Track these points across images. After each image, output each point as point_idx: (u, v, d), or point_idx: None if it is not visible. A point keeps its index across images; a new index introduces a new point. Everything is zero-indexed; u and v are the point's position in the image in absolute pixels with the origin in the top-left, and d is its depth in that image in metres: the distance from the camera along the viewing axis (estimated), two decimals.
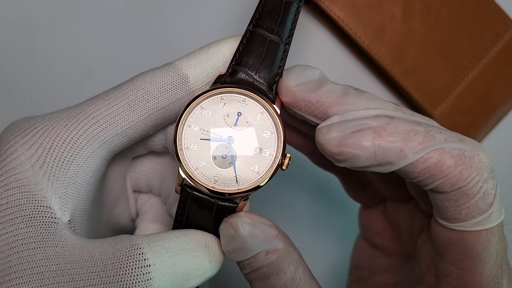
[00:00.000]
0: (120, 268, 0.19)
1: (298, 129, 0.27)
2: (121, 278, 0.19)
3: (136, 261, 0.19)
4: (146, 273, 0.19)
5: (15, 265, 0.19)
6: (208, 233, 0.22)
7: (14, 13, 0.40)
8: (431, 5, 0.38)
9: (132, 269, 0.19)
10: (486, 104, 0.39)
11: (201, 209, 0.22)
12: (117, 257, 0.19)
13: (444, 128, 0.21)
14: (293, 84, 0.22)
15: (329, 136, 0.20)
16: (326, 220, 0.41)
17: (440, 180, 0.20)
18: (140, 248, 0.19)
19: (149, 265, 0.19)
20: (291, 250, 0.22)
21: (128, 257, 0.19)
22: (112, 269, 0.19)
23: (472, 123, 0.40)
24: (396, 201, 0.28)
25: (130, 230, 0.29)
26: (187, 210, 0.22)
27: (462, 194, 0.20)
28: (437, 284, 0.22)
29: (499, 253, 0.21)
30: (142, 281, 0.19)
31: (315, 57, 0.41)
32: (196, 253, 0.21)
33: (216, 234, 0.23)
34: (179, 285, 0.20)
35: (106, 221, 0.27)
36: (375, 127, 0.20)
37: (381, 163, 0.20)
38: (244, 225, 0.21)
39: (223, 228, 0.22)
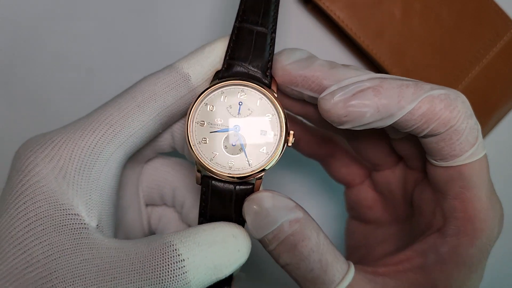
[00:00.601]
0: (157, 264, 0.21)
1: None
2: (159, 273, 0.20)
3: (171, 257, 0.21)
4: (181, 267, 0.21)
5: (55, 271, 0.21)
6: (233, 223, 0.23)
7: (14, 13, 0.40)
8: (431, 5, 0.38)
9: (168, 264, 0.21)
10: (486, 104, 0.39)
11: (222, 197, 0.24)
12: (153, 254, 0.21)
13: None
14: (287, 63, 0.24)
15: (334, 101, 0.22)
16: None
17: (435, 122, 0.22)
18: (173, 245, 0.21)
19: (183, 260, 0.21)
20: (310, 218, 0.24)
21: (163, 254, 0.21)
22: (150, 266, 0.21)
23: None
24: (383, 169, 0.30)
25: None
26: (210, 202, 0.24)
27: (454, 131, 0.23)
28: (444, 223, 0.24)
29: (489, 181, 0.24)
30: (178, 275, 0.21)
31: None
32: (225, 244, 0.22)
33: (239, 221, 0.24)
34: (213, 275, 0.22)
35: (117, 226, 0.27)
36: (373, 87, 0.22)
37: (384, 117, 0.22)
38: (266, 198, 0.23)
39: (246, 206, 0.24)
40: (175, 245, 0.21)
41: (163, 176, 0.29)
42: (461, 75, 0.39)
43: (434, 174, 0.25)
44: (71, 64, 0.40)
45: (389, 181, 0.30)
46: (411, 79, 0.24)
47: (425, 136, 0.23)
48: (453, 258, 0.24)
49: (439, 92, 0.23)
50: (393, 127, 0.24)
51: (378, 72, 0.40)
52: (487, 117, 0.40)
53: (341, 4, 0.37)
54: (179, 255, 0.21)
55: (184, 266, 0.21)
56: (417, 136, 0.24)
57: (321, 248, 0.23)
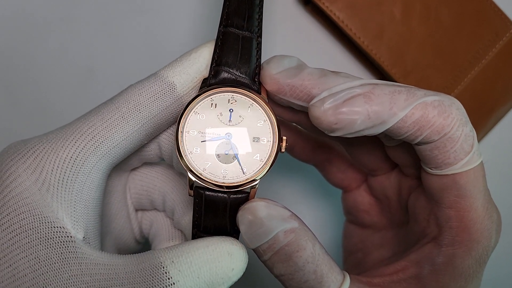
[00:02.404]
0: (146, 286, 0.20)
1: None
2: None
3: (160, 280, 0.20)
4: None
5: (43, 286, 0.20)
6: (228, 238, 0.22)
7: (15, 14, 0.40)
8: (431, 6, 0.38)
9: (157, 287, 0.20)
10: (486, 104, 0.40)
11: (215, 207, 0.23)
12: (143, 276, 0.20)
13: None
14: (275, 72, 0.24)
15: (323, 108, 0.22)
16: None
17: (428, 130, 0.22)
18: (163, 267, 0.20)
19: (173, 284, 0.20)
20: (306, 228, 0.23)
21: (153, 276, 0.20)
22: (139, 287, 0.20)
23: (471, 123, 0.40)
24: (379, 174, 0.29)
25: (133, 247, 0.30)
26: (203, 213, 0.24)
27: (448, 139, 0.22)
28: (439, 233, 0.24)
29: (486, 189, 0.23)
30: None
31: (314, 57, 0.41)
32: (219, 263, 0.21)
33: (234, 231, 0.24)
34: None
35: (104, 234, 0.27)
36: (364, 93, 0.22)
37: (375, 124, 0.22)
38: (260, 207, 0.22)
39: (241, 215, 0.23)
40: (166, 267, 0.20)
41: (152, 182, 0.28)
42: (460, 76, 0.39)
43: (428, 182, 0.24)
44: (71, 64, 0.40)
45: (385, 187, 0.29)
46: (404, 85, 0.23)
47: (419, 144, 0.23)
48: (448, 269, 0.23)
49: (433, 98, 0.22)
50: (386, 134, 0.23)
51: (378, 73, 0.40)
52: (486, 118, 0.40)
53: (341, 4, 0.38)
54: (169, 279, 0.20)
55: None
56: (411, 144, 0.24)
57: (316, 258, 0.23)
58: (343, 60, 0.41)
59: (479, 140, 0.41)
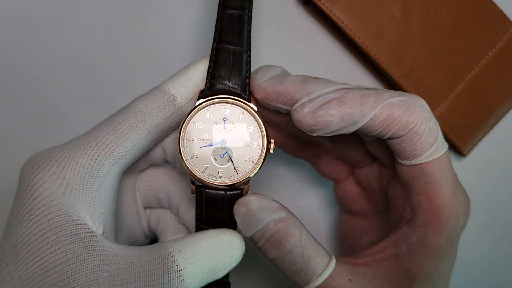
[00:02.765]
0: (159, 273, 0.24)
1: (271, 125, 0.33)
2: (160, 281, 0.24)
3: (170, 267, 0.24)
4: (179, 276, 0.24)
5: (71, 275, 0.23)
6: (227, 230, 0.26)
7: (15, 14, 0.40)
8: (431, 6, 0.38)
9: (168, 274, 0.24)
10: (485, 105, 0.40)
11: (215, 203, 0.27)
12: (155, 264, 0.24)
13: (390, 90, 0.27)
14: (262, 81, 0.27)
15: (303, 112, 0.25)
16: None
17: (395, 126, 0.25)
18: (172, 256, 0.24)
19: (181, 269, 0.24)
20: (293, 217, 0.27)
21: (164, 264, 0.24)
22: (152, 275, 0.24)
23: (471, 123, 0.40)
24: (362, 166, 0.33)
25: (142, 240, 0.33)
26: (205, 208, 0.27)
27: (413, 134, 0.25)
28: (413, 216, 0.27)
29: (453, 175, 0.27)
30: (176, 282, 0.24)
31: (314, 58, 0.41)
32: (220, 252, 0.25)
33: (232, 222, 0.27)
34: (209, 278, 0.25)
35: (117, 229, 0.30)
36: (337, 98, 0.25)
37: (348, 124, 0.25)
38: (252, 201, 0.26)
39: (236, 208, 0.26)
40: (174, 256, 0.24)
41: (158, 182, 0.32)
42: (460, 76, 0.39)
43: (401, 172, 0.27)
44: (72, 64, 0.40)
45: (368, 177, 0.33)
46: (374, 87, 0.26)
47: (389, 138, 0.26)
48: (422, 248, 0.26)
49: (398, 99, 0.25)
50: (361, 132, 0.26)
51: (378, 73, 0.40)
52: (486, 118, 0.40)
53: (341, 5, 0.38)
54: (177, 266, 0.24)
55: (181, 275, 0.24)
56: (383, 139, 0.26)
57: (303, 243, 0.26)
58: (343, 61, 0.41)
59: (478, 140, 0.41)
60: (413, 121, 0.25)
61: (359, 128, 0.25)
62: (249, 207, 0.26)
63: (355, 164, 0.33)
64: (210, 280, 0.25)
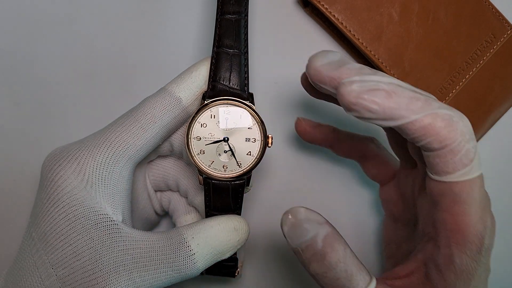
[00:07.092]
0: (175, 257, 0.27)
1: (319, 129, 0.36)
2: (177, 264, 0.27)
3: (185, 252, 0.27)
4: (193, 259, 0.27)
5: (99, 258, 0.26)
6: (235, 217, 0.29)
7: (16, 15, 0.40)
8: (429, 7, 0.38)
9: (183, 258, 0.27)
10: (483, 105, 0.40)
11: (221, 192, 0.30)
12: (172, 248, 0.27)
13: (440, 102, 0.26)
14: (319, 64, 0.27)
15: (350, 88, 0.25)
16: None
17: (431, 137, 0.24)
18: (186, 242, 0.27)
19: (194, 254, 0.27)
20: (338, 233, 0.27)
21: (179, 249, 0.27)
22: (170, 258, 0.27)
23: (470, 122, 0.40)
24: (406, 168, 0.33)
25: (154, 218, 0.37)
26: (212, 196, 0.30)
27: (449, 151, 0.25)
28: (436, 234, 0.27)
29: (481, 198, 0.26)
30: (190, 265, 0.27)
31: None
32: (228, 237, 0.28)
33: (236, 208, 0.31)
34: (217, 258, 0.28)
35: (131, 212, 0.33)
36: (387, 90, 0.25)
37: (386, 118, 0.25)
38: (300, 211, 0.27)
39: (284, 218, 0.27)
40: (188, 241, 0.27)
41: (166, 170, 0.34)
42: (458, 76, 0.39)
43: (429, 185, 0.27)
44: (74, 64, 0.40)
45: (406, 182, 0.33)
46: (425, 93, 0.26)
47: (423, 148, 0.25)
48: (450, 267, 0.26)
49: (444, 112, 0.25)
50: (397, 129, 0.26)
51: None
52: (484, 118, 0.40)
53: (340, 6, 0.38)
54: (190, 250, 0.27)
55: (194, 259, 0.27)
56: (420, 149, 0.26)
57: (347, 260, 0.26)
58: None
59: (477, 140, 0.41)
60: (451, 137, 0.24)
61: (394, 126, 0.25)
62: (297, 216, 0.26)
63: (402, 163, 0.33)
64: (218, 259, 0.28)
